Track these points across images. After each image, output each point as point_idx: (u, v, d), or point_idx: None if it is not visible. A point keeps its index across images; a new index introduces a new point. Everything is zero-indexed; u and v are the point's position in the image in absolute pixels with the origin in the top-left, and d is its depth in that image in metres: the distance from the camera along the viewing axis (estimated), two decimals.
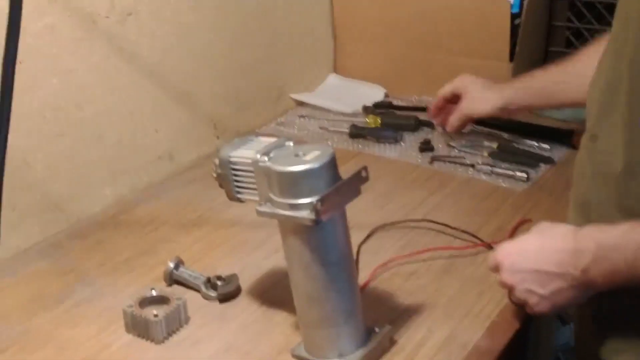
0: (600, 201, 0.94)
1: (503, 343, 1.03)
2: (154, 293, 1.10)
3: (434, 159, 1.56)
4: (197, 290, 1.15)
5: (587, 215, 0.97)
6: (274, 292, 1.15)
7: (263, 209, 0.93)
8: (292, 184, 0.90)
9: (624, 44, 0.87)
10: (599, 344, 0.96)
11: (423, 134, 1.69)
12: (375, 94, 1.88)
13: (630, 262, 0.82)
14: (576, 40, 1.82)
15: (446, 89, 1.53)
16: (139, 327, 1.06)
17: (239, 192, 0.99)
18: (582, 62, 1.25)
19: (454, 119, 1.52)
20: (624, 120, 0.87)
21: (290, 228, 0.93)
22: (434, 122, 1.65)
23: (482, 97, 1.46)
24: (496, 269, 0.96)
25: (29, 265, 1.25)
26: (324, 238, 0.92)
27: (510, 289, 0.96)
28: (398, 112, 1.77)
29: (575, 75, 1.27)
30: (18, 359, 1.03)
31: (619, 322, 0.93)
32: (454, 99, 1.52)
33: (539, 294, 0.90)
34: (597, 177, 0.93)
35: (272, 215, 0.92)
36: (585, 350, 1.02)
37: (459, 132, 1.57)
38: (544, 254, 0.90)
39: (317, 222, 0.88)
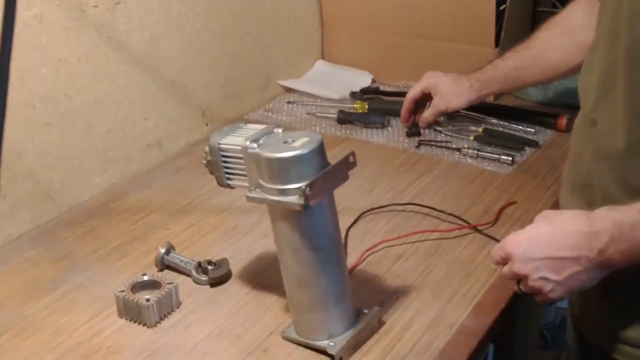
0: (604, 182, 0.95)
1: (488, 323, 1.06)
2: (145, 278, 1.11)
3: (420, 144, 1.58)
4: (188, 275, 1.17)
5: (589, 197, 0.98)
6: (264, 276, 1.16)
7: (253, 194, 0.95)
8: (282, 170, 0.91)
9: (616, 32, 0.88)
10: (605, 316, 0.98)
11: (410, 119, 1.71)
12: (362, 79, 1.89)
13: None
14: (560, 3, 1.83)
15: (416, 90, 1.54)
16: (131, 312, 1.08)
17: (229, 179, 1.00)
18: (538, 47, 1.37)
19: (428, 115, 1.54)
20: (624, 103, 0.88)
21: (279, 213, 0.95)
22: (405, 125, 1.63)
23: (453, 92, 1.49)
24: (504, 260, 0.92)
25: (22, 254, 1.25)
26: (313, 222, 0.94)
27: (522, 279, 0.91)
28: (385, 98, 1.78)
29: (534, 59, 1.39)
30: (13, 344, 1.05)
31: (627, 296, 0.95)
32: (423, 98, 1.55)
33: (554, 280, 0.88)
34: (599, 159, 0.94)
35: (262, 201, 0.94)
36: (589, 324, 1.04)
37: (431, 126, 1.61)
38: (557, 240, 0.87)
39: (306, 206, 0.89)
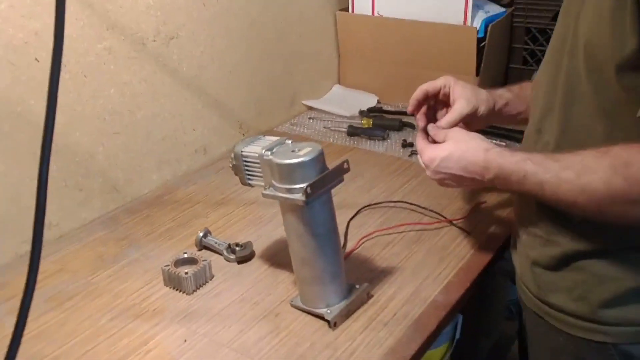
0: None
1: (456, 298, 1.07)
2: (185, 256, 1.14)
3: (412, 153, 1.59)
4: (221, 254, 1.20)
5: None
6: (280, 256, 1.19)
7: (267, 192, 0.97)
8: (289, 173, 0.93)
9: (560, 60, 0.88)
10: (536, 286, 0.98)
11: (405, 133, 1.72)
12: (369, 100, 1.90)
13: (519, 184, 0.88)
14: (531, 59, 1.84)
15: (434, 84, 1.12)
16: (173, 282, 1.11)
17: (249, 179, 1.03)
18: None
19: (451, 118, 1.06)
20: (560, 117, 0.89)
21: (287, 207, 0.97)
22: (415, 116, 1.17)
23: (476, 97, 1.08)
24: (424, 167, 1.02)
25: (93, 234, 1.29)
26: (313, 215, 0.96)
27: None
28: (387, 116, 1.79)
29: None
30: (83, 304, 1.09)
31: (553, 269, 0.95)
32: (434, 96, 1.13)
33: (454, 186, 1.00)
34: None
35: (274, 197, 0.96)
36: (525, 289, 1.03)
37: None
38: (460, 164, 0.95)
39: (307, 202, 0.92)
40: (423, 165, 1.02)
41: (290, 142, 0.99)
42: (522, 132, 1.53)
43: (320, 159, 0.95)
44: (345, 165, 0.98)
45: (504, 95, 1.12)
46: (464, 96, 1.07)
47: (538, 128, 0.95)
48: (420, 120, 1.12)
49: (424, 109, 1.13)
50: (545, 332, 0.98)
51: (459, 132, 1.01)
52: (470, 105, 1.07)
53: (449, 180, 0.98)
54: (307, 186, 0.91)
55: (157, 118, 1.44)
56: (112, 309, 1.07)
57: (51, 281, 1.14)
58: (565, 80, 0.87)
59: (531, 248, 0.98)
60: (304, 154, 0.94)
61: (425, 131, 1.09)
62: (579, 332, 0.92)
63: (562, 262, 0.92)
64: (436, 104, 1.14)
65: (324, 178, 0.94)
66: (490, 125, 1.60)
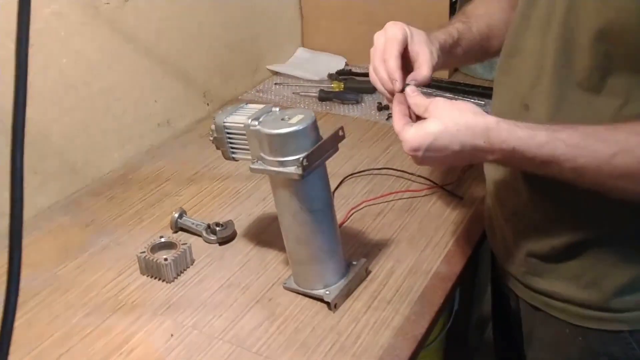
0: None
1: (459, 268, 1.01)
2: (162, 240, 1.04)
3: (389, 116, 1.51)
4: (199, 236, 1.10)
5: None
6: (265, 235, 1.10)
7: (256, 166, 0.87)
8: (281, 144, 0.84)
9: (549, 21, 0.77)
10: (527, 273, 0.91)
11: (379, 95, 1.63)
12: (337, 63, 1.80)
13: (542, 168, 0.73)
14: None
15: (399, 38, 0.87)
16: (151, 270, 1.00)
17: (233, 153, 0.93)
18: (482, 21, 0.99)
19: (426, 70, 0.85)
20: (549, 91, 0.78)
21: (279, 182, 0.88)
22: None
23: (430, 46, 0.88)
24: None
25: (53, 221, 1.17)
26: (309, 189, 0.87)
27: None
28: (358, 78, 1.70)
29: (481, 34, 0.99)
30: (50, 301, 0.97)
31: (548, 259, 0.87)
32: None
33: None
34: None
35: (264, 172, 0.87)
36: (510, 276, 0.95)
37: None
38: (452, 147, 0.74)
39: (303, 176, 0.83)
40: (404, 147, 0.78)
41: (277, 109, 0.89)
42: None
43: (314, 127, 0.85)
44: (341, 133, 0.89)
45: (451, 34, 0.92)
46: (422, 55, 0.85)
47: (525, 103, 0.82)
48: (395, 80, 0.84)
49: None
50: (545, 324, 0.91)
51: (444, 104, 0.77)
52: (433, 52, 0.86)
53: (441, 165, 0.81)
54: (302, 158, 0.82)
55: (116, 90, 1.31)
56: (84, 304, 0.96)
57: None
58: (558, 43, 0.75)
59: (523, 238, 0.88)
60: (296, 122, 0.84)
61: (402, 96, 0.83)
62: (588, 323, 0.85)
63: (565, 251, 0.83)
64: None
65: (320, 148, 0.85)
66: (464, 83, 1.53)
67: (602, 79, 0.73)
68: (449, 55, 0.92)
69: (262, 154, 0.86)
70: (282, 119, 0.86)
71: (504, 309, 1.03)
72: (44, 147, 1.19)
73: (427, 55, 0.85)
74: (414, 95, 0.81)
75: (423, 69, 0.84)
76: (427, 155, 0.75)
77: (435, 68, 0.86)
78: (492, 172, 0.94)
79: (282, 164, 0.84)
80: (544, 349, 0.94)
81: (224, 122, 0.90)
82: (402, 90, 0.83)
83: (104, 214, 1.18)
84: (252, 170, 0.88)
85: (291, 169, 0.83)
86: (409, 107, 0.82)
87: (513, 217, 0.90)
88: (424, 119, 0.77)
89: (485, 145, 0.73)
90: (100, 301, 0.97)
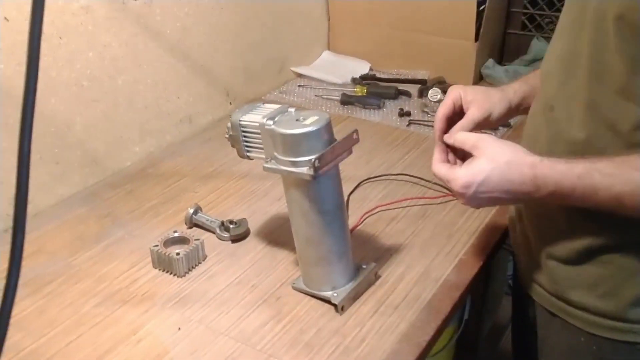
0: None
1: (469, 278, 1.00)
2: (176, 234, 1.05)
3: (410, 122, 1.51)
4: (213, 232, 1.11)
5: None
6: (277, 234, 1.10)
7: (269, 165, 0.88)
8: (294, 144, 0.84)
9: (581, 26, 0.78)
10: (550, 280, 0.90)
11: (401, 101, 1.63)
12: (361, 67, 1.81)
13: (584, 200, 0.75)
14: (530, 24, 1.76)
15: (446, 104, 0.93)
16: (163, 264, 1.02)
17: (248, 151, 0.94)
18: None
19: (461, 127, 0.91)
20: (583, 96, 0.78)
21: (292, 182, 0.88)
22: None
23: (488, 100, 0.93)
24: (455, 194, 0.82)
25: (71, 211, 1.19)
26: (321, 190, 0.88)
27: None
28: (381, 83, 1.70)
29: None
30: (62, 290, 0.99)
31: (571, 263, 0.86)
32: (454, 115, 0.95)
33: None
34: (555, 143, 0.83)
35: (277, 171, 0.87)
36: (531, 282, 0.95)
37: None
38: (502, 186, 0.77)
39: (315, 177, 0.83)
40: (454, 192, 0.82)
41: (293, 110, 0.90)
42: None
43: (328, 128, 0.86)
44: (355, 136, 0.89)
45: (518, 90, 0.96)
46: (475, 102, 0.91)
47: (551, 105, 0.84)
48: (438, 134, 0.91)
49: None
50: (561, 331, 0.90)
51: (492, 143, 0.80)
52: (482, 110, 0.90)
53: (488, 204, 0.82)
54: (315, 159, 0.82)
55: (139, 85, 1.33)
56: (96, 294, 0.98)
57: (27, 264, 1.04)
58: (590, 53, 0.76)
59: (545, 241, 0.88)
60: (310, 123, 0.85)
61: (443, 146, 0.89)
62: (603, 332, 0.84)
63: (585, 256, 0.83)
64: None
65: (333, 150, 0.85)
66: None
67: (632, 83, 0.73)
68: (512, 113, 0.95)
69: (275, 154, 0.87)
70: (297, 120, 0.86)
71: (522, 315, 1.03)
72: (67, 138, 1.21)
73: (470, 113, 0.90)
74: (460, 133, 0.86)
75: (461, 122, 0.89)
76: (477, 192, 0.78)
77: (494, 113, 0.91)
78: None
79: (295, 164, 0.85)
80: (558, 356, 0.94)
81: (240, 120, 0.91)
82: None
83: (122, 207, 1.20)
84: (265, 169, 0.89)
85: (303, 170, 0.84)
86: (447, 153, 0.87)
87: (536, 218, 0.90)
88: (468, 157, 0.81)
89: (531, 182, 0.76)
90: (111, 292, 0.98)
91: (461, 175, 0.79)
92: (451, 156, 0.88)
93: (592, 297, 0.84)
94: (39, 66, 0.41)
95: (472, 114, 0.90)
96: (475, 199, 0.79)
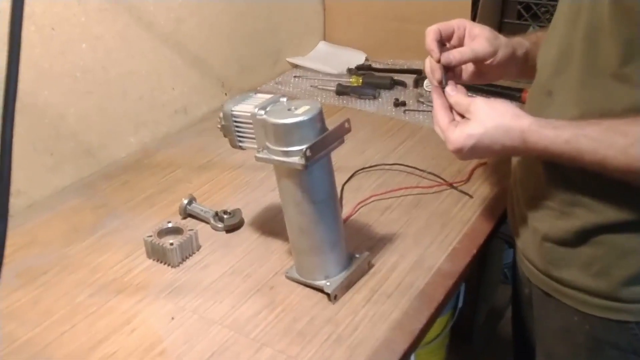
0: None
1: (462, 266, 1.00)
2: (170, 225, 1.05)
3: (406, 111, 1.51)
4: (207, 223, 1.11)
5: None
6: (271, 224, 1.11)
7: (261, 155, 0.88)
8: (286, 134, 0.84)
9: (578, 12, 0.79)
10: (544, 260, 0.91)
11: (397, 91, 1.63)
12: (357, 58, 1.81)
13: (571, 162, 0.77)
14: (526, 13, 1.75)
15: (450, 24, 0.94)
16: (157, 254, 1.02)
17: (240, 141, 0.94)
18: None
19: (462, 53, 0.91)
20: (578, 78, 0.79)
21: (284, 171, 0.88)
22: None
23: (496, 38, 0.93)
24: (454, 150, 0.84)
25: (66, 202, 1.19)
26: (313, 180, 0.88)
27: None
28: (376, 73, 1.70)
29: None
30: (57, 280, 0.99)
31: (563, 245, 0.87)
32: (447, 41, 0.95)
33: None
34: None
35: (269, 161, 0.88)
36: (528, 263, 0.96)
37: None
38: (493, 148, 0.81)
39: (306, 166, 0.83)
40: (447, 146, 0.85)
41: (285, 99, 0.90)
42: (521, 90, 1.48)
43: (319, 118, 0.86)
44: (347, 125, 0.89)
45: (523, 43, 0.96)
46: (484, 35, 0.91)
47: (548, 90, 0.85)
48: (435, 70, 0.90)
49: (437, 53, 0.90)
50: (555, 311, 0.90)
51: (484, 106, 0.82)
52: (490, 45, 0.90)
53: (481, 158, 0.87)
54: (306, 148, 0.82)
55: (133, 76, 1.33)
56: (90, 284, 0.98)
57: (21, 255, 1.05)
58: (586, 32, 0.78)
59: (540, 221, 0.89)
60: (301, 112, 0.85)
61: (441, 89, 0.89)
62: (595, 311, 0.85)
63: (579, 236, 0.84)
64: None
65: (325, 139, 0.85)
66: (489, 83, 1.53)
67: (626, 67, 0.74)
68: (514, 63, 0.95)
69: (267, 144, 0.87)
70: (289, 109, 0.86)
71: (520, 296, 1.04)
72: (61, 129, 1.21)
73: (477, 44, 0.90)
74: (453, 95, 0.88)
75: (464, 49, 0.90)
76: (470, 154, 0.83)
77: (499, 53, 0.91)
78: (516, 165, 0.97)
79: (286, 153, 0.85)
80: (552, 335, 0.95)
81: (232, 111, 0.91)
82: (441, 83, 0.90)
83: (116, 198, 1.21)
84: (257, 159, 0.89)
85: (295, 159, 0.84)
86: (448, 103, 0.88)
87: (532, 200, 0.91)
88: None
89: (521, 146, 0.80)
90: (105, 282, 0.99)
91: (454, 139, 0.82)
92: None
93: (585, 277, 0.84)
94: (20, 51, 0.41)
95: (476, 45, 0.90)
96: (468, 157, 0.85)
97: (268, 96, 0.92)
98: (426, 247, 1.04)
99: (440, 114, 0.87)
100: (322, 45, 1.89)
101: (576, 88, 0.80)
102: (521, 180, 0.94)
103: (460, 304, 1.18)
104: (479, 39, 0.91)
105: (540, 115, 0.84)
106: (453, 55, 0.90)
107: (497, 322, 1.60)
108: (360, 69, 1.73)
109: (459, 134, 0.82)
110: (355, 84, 1.64)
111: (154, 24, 1.34)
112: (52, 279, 1.00)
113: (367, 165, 1.28)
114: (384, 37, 1.80)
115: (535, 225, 0.90)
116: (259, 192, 1.21)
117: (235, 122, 0.92)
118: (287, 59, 1.79)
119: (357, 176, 1.25)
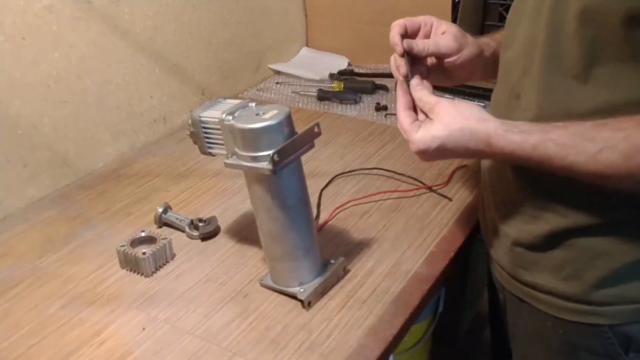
0: None
1: (439, 270, 0.99)
2: (143, 234, 1.04)
3: (387, 115, 1.49)
4: (182, 231, 1.10)
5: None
6: (247, 232, 1.09)
7: (230, 161, 0.87)
8: (253, 139, 0.83)
9: (539, 10, 0.77)
10: (514, 265, 0.89)
11: (378, 95, 1.62)
12: (340, 63, 1.80)
13: (539, 166, 0.75)
14: (507, 15, 1.74)
15: (416, 19, 0.92)
16: (130, 264, 1.01)
17: (209, 147, 0.92)
18: None
19: (428, 44, 0.89)
20: (538, 79, 0.78)
21: (253, 177, 0.87)
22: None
23: (463, 36, 0.92)
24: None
25: (41, 213, 1.18)
26: (282, 185, 0.86)
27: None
28: (358, 78, 1.69)
29: None
30: (28, 292, 0.98)
31: (533, 249, 0.86)
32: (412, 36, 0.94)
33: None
34: None
35: (237, 167, 0.86)
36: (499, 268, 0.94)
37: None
38: (457, 151, 0.78)
39: (274, 171, 0.82)
40: (410, 146, 0.81)
41: (254, 104, 0.89)
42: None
43: (287, 122, 0.84)
44: (316, 129, 0.88)
45: (490, 44, 0.95)
46: (450, 32, 0.89)
47: (517, 92, 0.83)
48: (400, 66, 0.89)
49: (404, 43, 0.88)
50: (529, 316, 0.89)
51: (449, 108, 0.79)
52: (455, 41, 0.88)
53: (444, 159, 0.85)
54: (273, 153, 0.81)
55: (109, 85, 1.32)
56: (62, 296, 0.97)
57: None
58: (546, 31, 0.76)
59: (510, 226, 0.87)
60: (269, 117, 0.83)
61: (406, 85, 0.86)
62: (568, 315, 0.83)
63: (549, 241, 0.82)
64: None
65: (293, 143, 0.84)
66: (465, 85, 1.52)
67: (589, 68, 0.73)
68: (480, 64, 0.94)
69: (236, 149, 0.86)
70: (257, 114, 0.85)
71: (495, 301, 1.03)
72: (35, 140, 1.20)
73: (442, 40, 0.88)
74: (418, 89, 0.84)
75: (429, 41, 0.88)
76: (433, 156, 0.80)
77: (464, 52, 0.90)
78: (486, 160, 0.95)
79: (255, 159, 0.83)
80: (527, 341, 0.93)
81: (200, 117, 0.90)
82: (406, 77, 0.86)
83: (92, 208, 1.19)
84: (226, 165, 0.87)
85: (263, 164, 0.82)
86: (412, 100, 0.84)
87: (502, 205, 0.89)
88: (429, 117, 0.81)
89: (487, 150, 0.77)
90: (77, 293, 0.97)
91: (417, 140, 0.79)
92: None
93: (556, 280, 0.83)
94: None
95: (441, 39, 0.89)
96: (431, 159, 0.82)
97: (237, 102, 0.91)
98: (403, 252, 1.03)
99: (404, 114, 0.82)
100: (305, 51, 1.88)
101: (540, 90, 0.78)
102: (491, 184, 0.93)
103: (440, 309, 1.17)
104: (444, 35, 0.90)
105: (508, 119, 0.81)
106: (415, 43, 0.88)
107: (483, 326, 1.58)
108: (343, 74, 1.72)
109: (423, 136, 0.78)
110: (337, 89, 1.63)
111: (129, 32, 1.33)
112: (24, 291, 0.98)
113: (346, 170, 1.26)
114: (366, 42, 1.79)
115: (505, 230, 0.88)
116: (237, 199, 1.19)
117: (204, 128, 0.90)
118: (269, 66, 1.78)
119: (336, 181, 1.24)
